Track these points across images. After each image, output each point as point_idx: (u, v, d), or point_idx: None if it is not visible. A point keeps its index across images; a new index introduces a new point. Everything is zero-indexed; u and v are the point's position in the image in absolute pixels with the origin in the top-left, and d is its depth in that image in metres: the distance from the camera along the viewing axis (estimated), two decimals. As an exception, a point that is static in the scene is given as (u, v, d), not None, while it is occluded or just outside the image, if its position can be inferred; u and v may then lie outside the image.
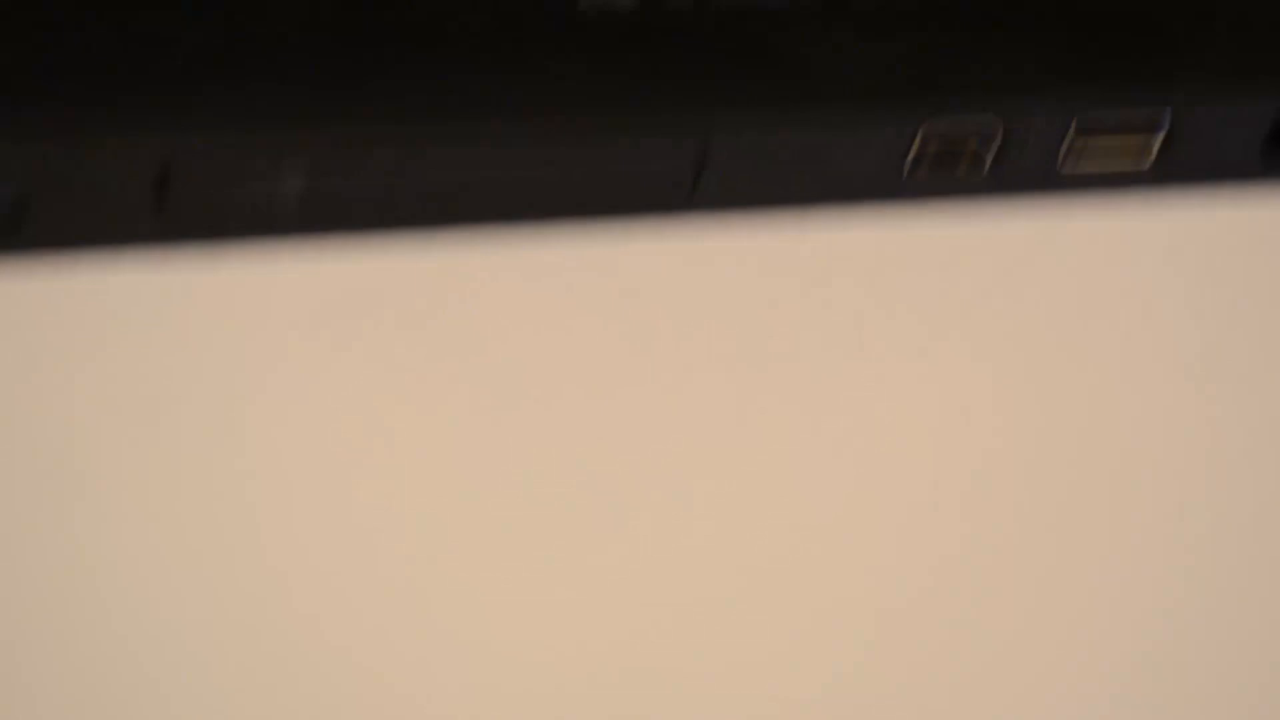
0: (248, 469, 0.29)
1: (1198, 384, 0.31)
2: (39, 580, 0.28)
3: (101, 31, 0.30)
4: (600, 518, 0.29)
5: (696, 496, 0.30)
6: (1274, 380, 0.31)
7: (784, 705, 0.29)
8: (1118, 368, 0.31)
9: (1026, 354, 0.31)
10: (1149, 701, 0.31)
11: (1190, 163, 0.31)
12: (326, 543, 0.29)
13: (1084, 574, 0.31)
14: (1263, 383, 0.31)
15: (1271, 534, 0.31)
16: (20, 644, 0.28)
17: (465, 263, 0.30)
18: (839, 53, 0.31)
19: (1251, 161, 0.31)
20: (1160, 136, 0.31)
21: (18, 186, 0.28)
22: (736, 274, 0.30)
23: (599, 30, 0.31)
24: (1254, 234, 0.32)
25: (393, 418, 0.29)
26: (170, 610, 0.28)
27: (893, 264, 0.31)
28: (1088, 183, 0.31)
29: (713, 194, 0.30)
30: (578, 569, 0.29)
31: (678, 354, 0.30)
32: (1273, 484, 0.31)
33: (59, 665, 0.28)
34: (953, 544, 0.30)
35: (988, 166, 0.31)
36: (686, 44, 0.31)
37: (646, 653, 0.29)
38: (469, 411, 0.29)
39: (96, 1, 0.31)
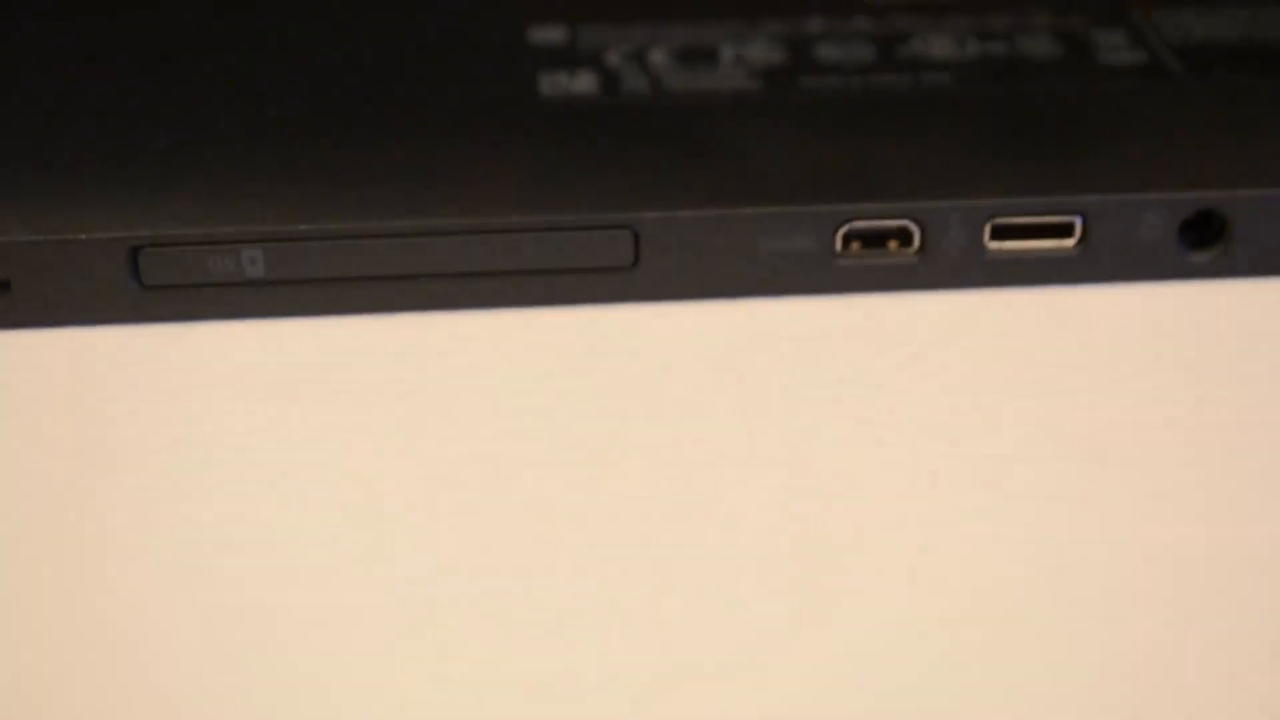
0: (214, 514, 0.30)
1: (1102, 464, 0.32)
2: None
3: (86, 132, 0.33)
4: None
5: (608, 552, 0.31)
6: (1184, 458, 0.32)
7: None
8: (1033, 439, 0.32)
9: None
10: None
11: (1109, 256, 0.33)
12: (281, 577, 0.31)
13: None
14: (1171, 464, 0.32)
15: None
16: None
17: (420, 335, 0.32)
18: (774, 148, 0.33)
19: (1168, 253, 0.33)
20: (1075, 234, 0.33)
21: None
22: (674, 351, 0.32)
23: (559, 117, 0.34)
24: (1174, 320, 0.33)
25: (345, 469, 0.31)
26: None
27: (825, 342, 0.32)
28: (1013, 271, 0.33)
29: (652, 279, 0.32)
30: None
31: (619, 421, 0.32)
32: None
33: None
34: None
35: (910, 257, 0.33)
36: (636, 132, 0.34)
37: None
38: (407, 464, 0.31)
39: (82, 107, 0.34)
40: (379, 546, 0.30)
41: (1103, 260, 0.33)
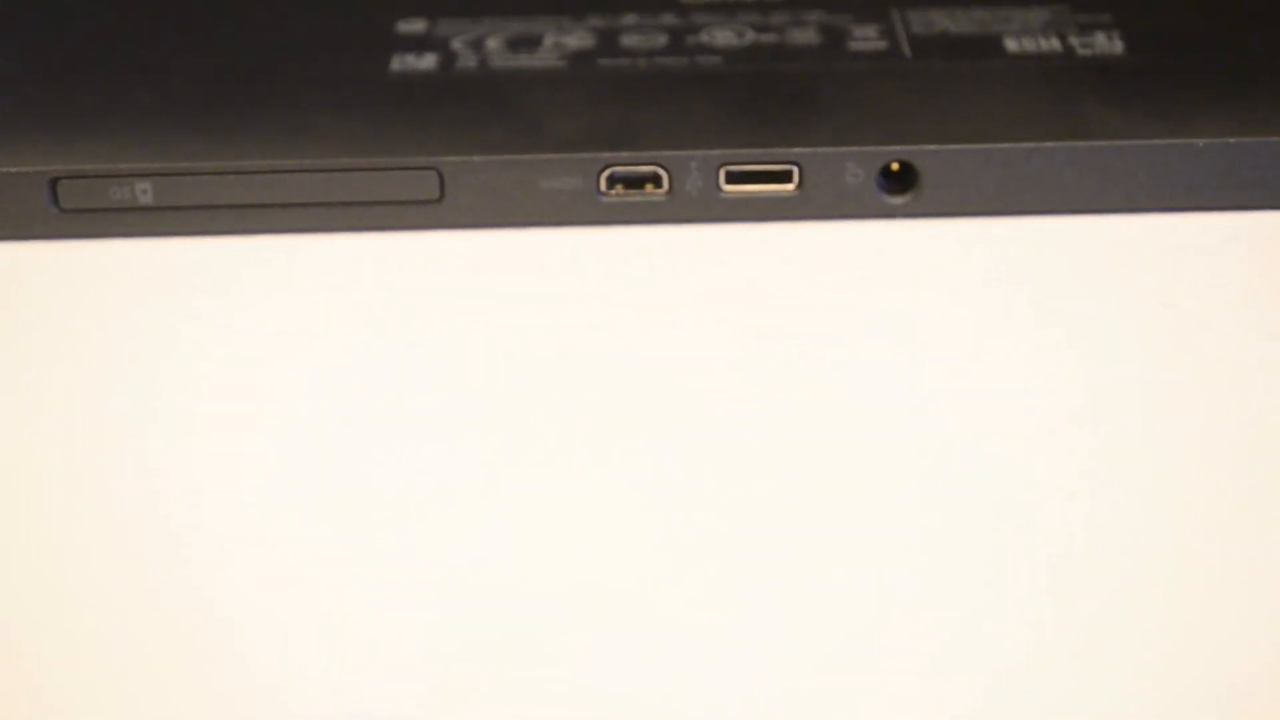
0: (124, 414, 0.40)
1: (804, 366, 0.40)
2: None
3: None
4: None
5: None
6: (878, 364, 0.40)
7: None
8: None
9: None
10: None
11: (821, 199, 0.41)
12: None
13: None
14: (864, 366, 0.40)
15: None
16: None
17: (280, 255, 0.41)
18: (561, 111, 0.42)
19: (869, 197, 0.41)
20: (794, 180, 0.41)
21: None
22: (474, 272, 0.41)
23: (401, 88, 0.43)
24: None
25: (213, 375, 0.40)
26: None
27: (593, 265, 0.41)
28: (744, 209, 0.41)
29: (454, 211, 0.41)
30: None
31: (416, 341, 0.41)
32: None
33: None
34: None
35: (660, 196, 0.41)
36: (457, 99, 0.42)
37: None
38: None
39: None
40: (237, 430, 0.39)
41: (816, 202, 0.41)
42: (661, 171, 0.41)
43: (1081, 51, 0.45)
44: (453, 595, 0.41)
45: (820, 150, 0.41)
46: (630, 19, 0.47)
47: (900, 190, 0.42)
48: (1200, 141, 0.41)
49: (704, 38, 0.45)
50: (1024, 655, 0.40)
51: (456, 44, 0.46)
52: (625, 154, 0.41)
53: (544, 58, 0.45)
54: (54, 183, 0.41)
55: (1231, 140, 0.41)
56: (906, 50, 0.45)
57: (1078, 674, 0.40)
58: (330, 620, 0.41)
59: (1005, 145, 0.41)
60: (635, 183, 0.42)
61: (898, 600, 0.41)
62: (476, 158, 0.41)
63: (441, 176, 0.41)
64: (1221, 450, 0.41)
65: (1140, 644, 0.40)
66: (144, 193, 0.41)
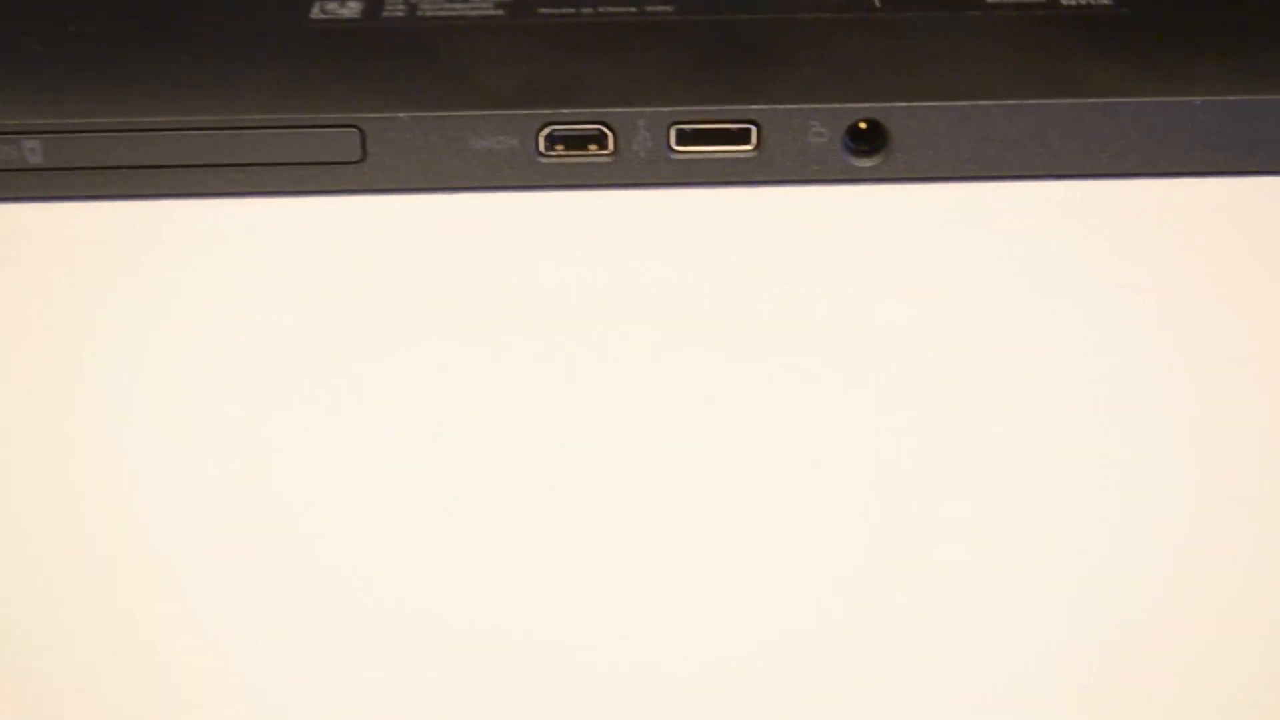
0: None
1: (769, 337, 0.36)
2: None
3: None
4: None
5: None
6: (841, 335, 0.36)
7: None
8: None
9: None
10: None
11: (782, 160, 0.37)
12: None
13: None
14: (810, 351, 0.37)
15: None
16: None
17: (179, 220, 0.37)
18: (496, 63, 0.38)
19: (834, 158, 0.37)
20: (752, 140, 0.37)
21: None
22: (398, 239, 0.37)
23: (321, 38, 0.39)
24: (840, 219, 0.38)
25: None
26: None
27: (530, 233, 0.37)
28: (697, 172, 0.38)
29: (378, 173, 0.37)
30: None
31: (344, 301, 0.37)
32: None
33: None
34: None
35: (605, 158, 0.37)
36: (383, 49, 0.39)
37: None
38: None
39: None
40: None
41: (776, 164, 0.38)
42: (606, 130, 0.37)
43: (1067, 1, 0.41)
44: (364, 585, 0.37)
45: (781, 107, 0.37)
46: None
47: (868, 152, 0.38)
48: (1197, 100, 0.37)
49: (654, -16, 0.42)
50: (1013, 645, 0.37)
51: (384, -11, 0.42)
52: (566, 111, 0.37)
53: (479, 5, 0.41)
54: None
55: (1231, 98, 0.37)
56: (876, -1, 0.41)
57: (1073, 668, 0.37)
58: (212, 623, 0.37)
59: (983, 103, 0.37)
60: (577, 143, 0.38)
61: (854, 577, 0.37)
62: (401, 114, 0.37)
63: (363, 135, 0.37)
64: (1210, 428, 0.37)
65: (1144, 639, 0.37)
66: (32, 151, 0.37)
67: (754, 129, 0.37)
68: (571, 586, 0.37)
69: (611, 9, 0.41)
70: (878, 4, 0.41)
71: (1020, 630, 0.37)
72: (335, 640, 0.36)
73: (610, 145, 0.38)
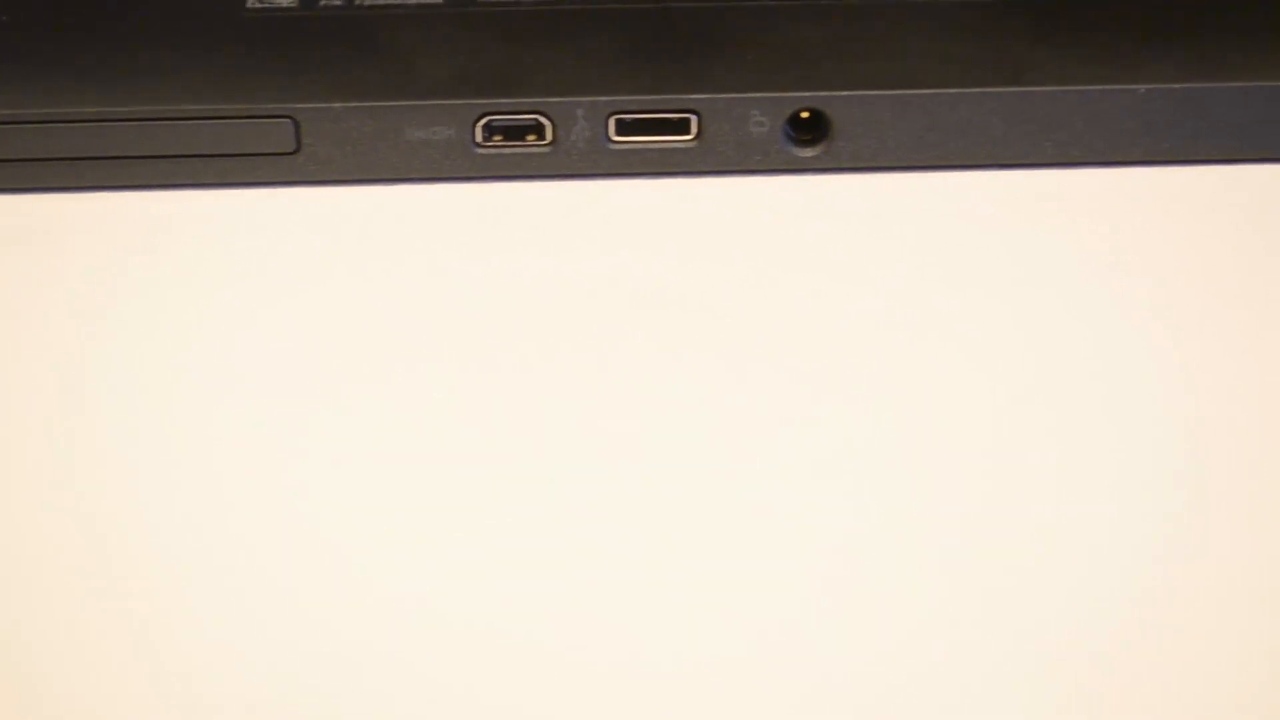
0: None
1: (715, 334, 0.36)
2: None
3: None
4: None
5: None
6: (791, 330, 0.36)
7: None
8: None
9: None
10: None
11: (723, 150, 0.37)
12: None
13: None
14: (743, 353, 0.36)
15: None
16: None
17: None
18: (434, 53, 0.38)
19: (775, 147, 0.37)
20: (693, 130, 0.37)
21: None
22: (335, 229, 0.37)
23: (257, 28, 0.38)
24: (782, 209, 0.37)
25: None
26: None
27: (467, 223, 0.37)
28: (637, 162, 0.37)
29: (312, 164, 0.37)
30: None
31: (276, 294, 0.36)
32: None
33: None
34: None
35: (543, 148, 0.37)
36: (320, 39, 0.38)
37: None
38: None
39: None
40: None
41: (717, 154, 0.37)
42: (544, 120, 0.37)
43: (1013, -12, 0.40)
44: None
45: (721, 96, 0.37)
46: None
47: (810, 141, 0.37)
48: (1143, 87, 0.37)
49: (599, -28, 0.41)
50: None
51: (322, -21, 0.41)
52: (504, 101, 0.37)
53: None
54: None
55: (1176, 86, 0.37)
56: (818, -17, 0.41)
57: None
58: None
59: (925, 91, 0.37)
60: (515, 133, 0.37)
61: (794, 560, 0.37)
62: (336, 104, 0.37)
63: (297, 126, 0.37)
64: (1164, 416, 0.37)
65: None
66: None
67: (694, 118, 0.37)
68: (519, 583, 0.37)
69: None
70: None
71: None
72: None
73: (549, 135, 0.37)
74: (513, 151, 0.37)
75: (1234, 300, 0.36)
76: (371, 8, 0.40)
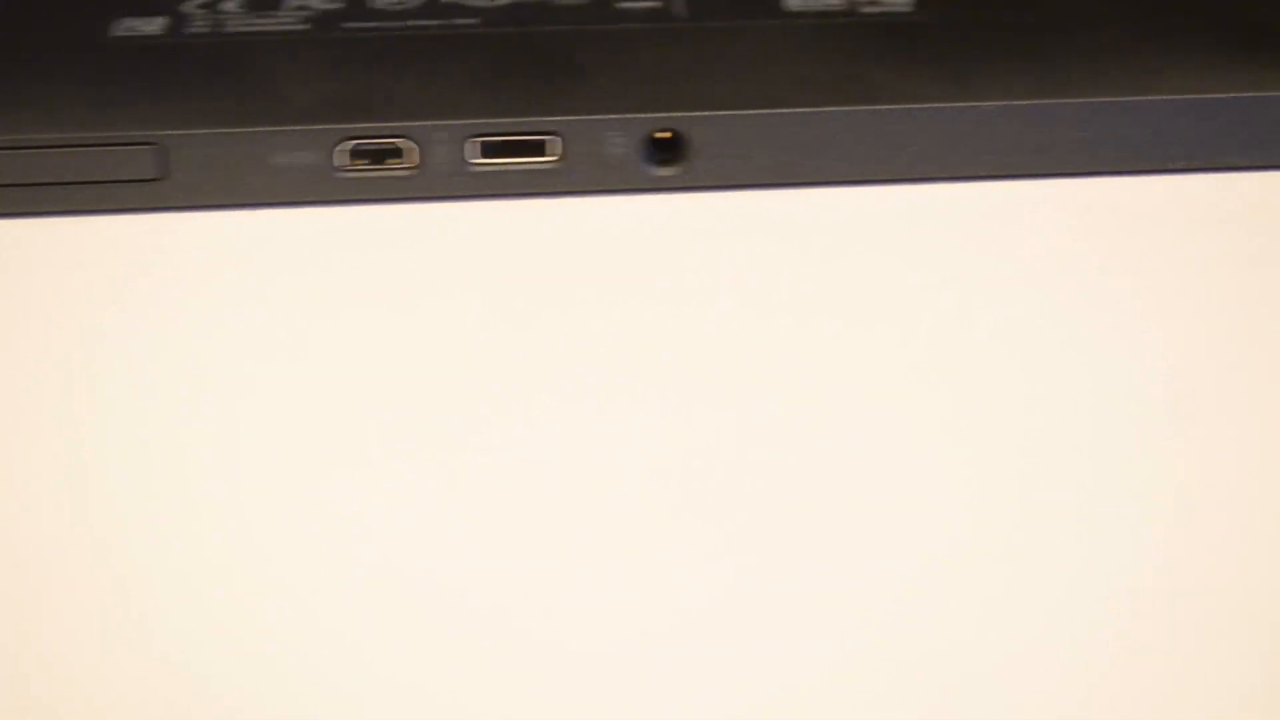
0: None
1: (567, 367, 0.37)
2: None
3: None
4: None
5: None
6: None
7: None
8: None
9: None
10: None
11: (584, 171, 0.38)
12: None
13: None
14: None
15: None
16: None
17: None
18: (295, 78, 0.38)
19: (634, 168, 0.38)
20: (555, 152, 0.38)
21: None
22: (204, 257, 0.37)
23: (122, 55, 0.39)
24: (642, 229, 0.38)
25: None
26: None
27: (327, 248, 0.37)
28: (499, 184, 0.38)
29: (178, 190, 0.37)
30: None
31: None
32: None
33: None
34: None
35: (405, 171, 0.38)
36: (186, 65, 0.38)
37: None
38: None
39: None
40: None
41: (577, 175, 0.38)
42: (406, 143, 0.38)
43: (867, 9, 0.41)
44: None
45: (580, 118, 0.38)
46: None
47: (669, 161, 0.38)
48: (988, 104, 0.38)
49: (464, -2, 0.42)
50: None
51: (189, 6, 0.41)
52: (365, 125, 0.37)
53: (285, 21, 0.41)
54: None
55: (1024, 103, 0.38)
56: (682, 9, 0.41)
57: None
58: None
59: (781, 111, 0.38)
60: (377, 156, 0.38)
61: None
62: (200, 131, 0.37)
63: (164, 152, 0.37)
64: (1029, 423, 0.38)
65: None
66: None
67: (555, 140, 0.38)
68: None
69: (419, 22, 0.41)
70: (684, 13, 0.41)
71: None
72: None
73: (412, 159, 0.38)
74: (376, 175, 0.38)
75: (1069, 314, 0.38)
76: (238, 34, 0.40)
